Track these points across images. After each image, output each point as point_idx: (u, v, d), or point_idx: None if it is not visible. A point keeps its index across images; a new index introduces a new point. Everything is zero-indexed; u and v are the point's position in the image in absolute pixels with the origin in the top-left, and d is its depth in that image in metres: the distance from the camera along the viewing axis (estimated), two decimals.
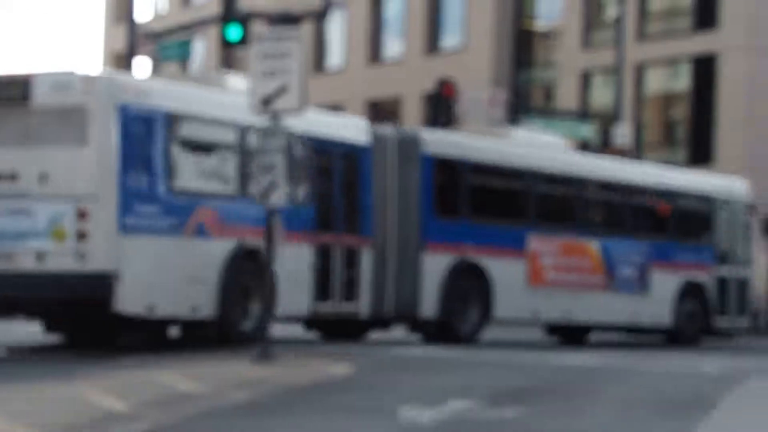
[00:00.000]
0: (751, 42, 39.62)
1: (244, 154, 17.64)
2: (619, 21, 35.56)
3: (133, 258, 16.19)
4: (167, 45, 31.14)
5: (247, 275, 17.63)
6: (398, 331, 22.18)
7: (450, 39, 48.12)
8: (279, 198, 15.10)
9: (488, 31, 46.40)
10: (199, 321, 17.33)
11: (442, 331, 21.29)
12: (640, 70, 41.96)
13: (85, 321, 18.00)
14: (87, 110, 16.03)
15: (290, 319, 19.40)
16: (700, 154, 39.49)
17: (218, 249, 17.35)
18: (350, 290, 19.74)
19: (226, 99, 18.02)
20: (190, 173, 17.25)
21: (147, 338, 18.17)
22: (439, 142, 21.80)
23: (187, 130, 17.21)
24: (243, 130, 17.69)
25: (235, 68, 53.54)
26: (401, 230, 20.87)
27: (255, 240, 17.38)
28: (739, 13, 39.77)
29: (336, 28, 50.92)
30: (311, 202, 19.14)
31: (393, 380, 13.69)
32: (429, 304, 21.03)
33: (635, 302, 24.70)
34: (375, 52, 50.59)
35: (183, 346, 17.58)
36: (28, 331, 20.02)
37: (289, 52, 15.14)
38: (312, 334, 21.43)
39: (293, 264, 18.50)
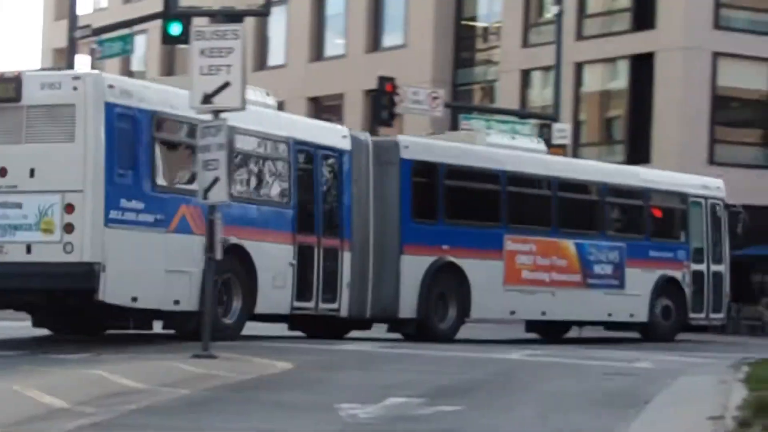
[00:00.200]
0: (687, 42, 40.10)
1: (228, 155, 17.77)
2: (558, 20, 35.85)
3: (118, 251, 16.78)
4: (108, 41, 30.99)
5: (228, 272, 18.23)
6: (380, 331, 22.66)
7: (391, 37, 48.26)
8: (221, 194, 15.13)
9: (429, 29, 46.58)
10: (181, 314, 17.85)
11: (421, 330, 21.94)
12: (578, 69, 42.32)
13: (71, 315, 18.58)
14: (75, 108, 16.70)
15: (271, 317, 20.00)
16: (638, 151, 39.89)
17: (201, 245, 17.45)
18: (330, 290, 20.41)
19: None
20: (175, 171, 17.93)
21: (133, 330, 18.74)
22: (416, 146, 22.58)
23: (171, 130, 17.90)
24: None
25: (177, 65, 53.41)
26: (380, 232, 21.53)
27: (238, 237, 18.29)
28: (675, 13, 40.24)
29: (278, 26, 50.88)
30: (292, 204, 19.84)
31: (334, 377, 13.76)
32: (408, 304, 21.74)
33: (611, 299, 25.26)
34: (317, 50, 50.61)
35: (139, 340, 17.70)
36: (12, 326, 20.35)
37: (231, 48, 15.18)
38: (291, 334, 21.62)
39: (274, 263, 19.22)
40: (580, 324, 26.59)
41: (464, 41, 47.45)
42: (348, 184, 21.01)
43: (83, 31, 30.19)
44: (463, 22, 47.38)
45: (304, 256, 19.91)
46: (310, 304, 20.08)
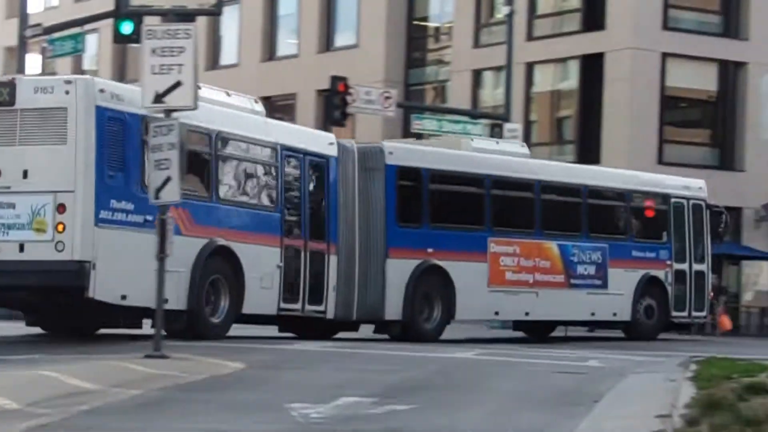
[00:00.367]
0: (636, 42, 40.41)
1: (217, 159, 19.33)
2: (509, 20, 36.00)
3: (107, 250, 17.43)
4: (59, 39, 30.82)
5: (216, 272, 19.04)
6: (367, 331, 23.20)
7: (343, 37, 48.28)
8: (173, 194, 15.12)
9: (381, 29, 46.65)
10: (169, 312, 17.99)
11: (407, 331, 22.52)
12: (529, 69, 42.52)
13: (64, 315, 19.06)
14: (66, 112, 17.35)
15: (259, 318, 20.60)
16: (588, 151, 40.16)
17: (189, 246, 18.55)
18: (317, 292, 21.06)
19: (200, 106, 18.63)
20: None
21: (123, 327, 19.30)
22: (401, 152, 23.23)
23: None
24: (215, 136, 19.24)
25: (129, 64, 53.18)
26: (366, 236, 22.17)
27: (226, 239, 19.15)
28: (625, 14, 40.54)
29: (230, 25, 50.77)
30: (280, 208, 20.50)
31: (286, 377, 13.79)
32: (394, 306, 22.36)
33: (594, 299, 25.85)
34: (269, 50, 50.54)
35: (95, 340, 17.68)
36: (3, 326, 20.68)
37: (183, 48, 15.17)
38: (267, 334, 21.87)
39: (261, 265, 19.97)
40: (565, 323, 27.30)
41: (416, 41, 47.56)
42: (334, 189, 21.64)
43: (34, 29, 30.02)
44: (415, 22, 47.48)
45: (290, 259, 20.57)
46: (297, 306, 20.70)
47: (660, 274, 27.18)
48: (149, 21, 25.58)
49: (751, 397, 10.87)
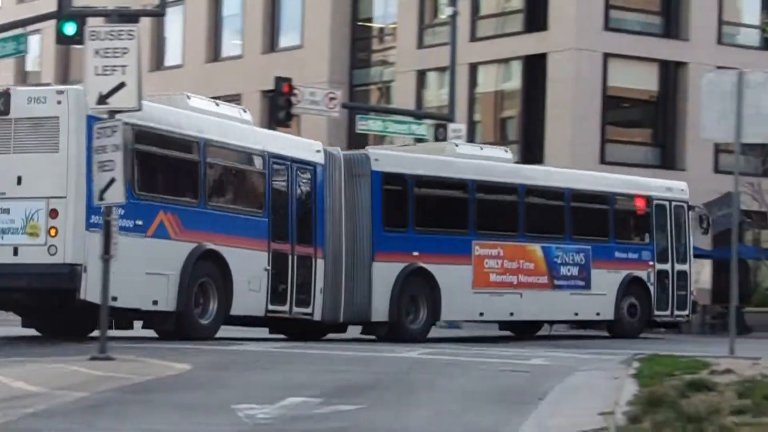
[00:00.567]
0: (578, 43, 40.69)
1: (206, 167, 20.14)
2: (452, 21, 36.15)
3: (98, 253, 17.48)
4: (1, 41, 30.58)
5: (205, 275, 19.80)
6: (355, 332, 23.90)
7: (288, 38, 48.22)
8: (118, 195, 15.08)
9: (325, 30, 46.64)
10: (159, 313, 19.25)
11: (393, 331, 23.14)
12: (473, 70, 42.69)
13: (58, 316, 19.62)
14: (59, 121, 18.02)
15: (248, 319, 21.35)
16: (531, 151, 40.38)
17: (178, 249, 19.43)
18: (304, 295, 21.80)
19: (189, 115, 20.25)
20: (154, 181, 19.48)
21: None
22: (386, 159, 23.91)
23: (150, 141, 19.24)
24: (203, 144, 20.12)
25: (72, 65, 52.82)
26: (353, 241, 22.88)
27: (214, 244, 19.90)
28: (567, 15, 40.80)
29: (174, 26, 50.56)
30: (267, 214, 21.29)
31: (232, 378, 13.78)
32: (380, 308, 23.02)
33: (577, 299, 26.53)
34: (213, 50, 50.39)
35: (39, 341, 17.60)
36: None
37: (126, 49, 15.14)
38: (250, 335, 22.34)
39: (249, 268, 20.65)
40: (550, 323, 28.04)
41: (360, 42, 47.61)
42: (321, 195, 22.39)
43: None
44: (360, 23, 47.52)
45: (278, 263, 21.28)
46: (284, 308, 21.42)
47: (643, 274, 27.94)
48: (92, 22, 25.42)
49: (692, 394, 11.02)
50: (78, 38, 26.41)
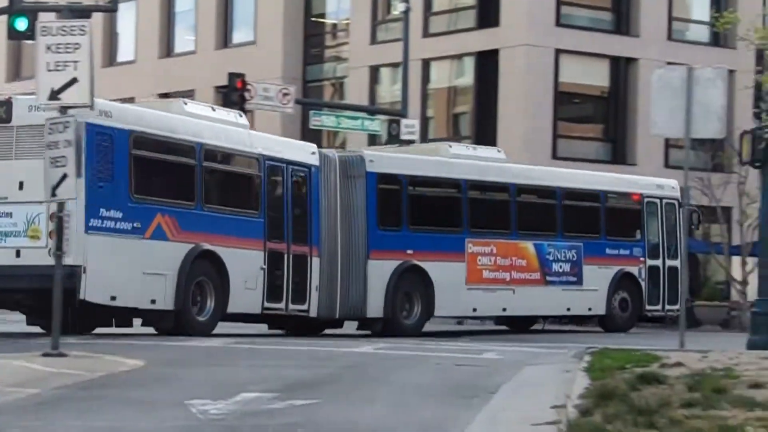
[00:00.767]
0: (530, 39, 40.87)
1: (202, 170, 20.83)
2: (405, 17, 36.24)
3: (97, 255, 18.83)
4: None
5: (202, 274, 20.55)
6: (351, 328, 24.53)
7: (241, 34, 48.14)
8: (70, 191, 15.03)
9: (278, 26, 46.59)
10: (157, 312, 19.93)
11: (388, 327, 23.73)
12: (426, 66, 42.78)
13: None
14: None
15: (245, 316, 22.03)
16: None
17: (176, 250, 20.14)
18: (300, 292, 22.72)
19: (185, 120, 20.86)
20: (151, 184, 20.21)
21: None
22: (381, 160, 24.49)
23: (147, 146, 20.03)
24: (200, 148, 20.85)
25: (24, 61, 52.45)
26: (348, 240, 23.51)
27: (211, 244, 20.66)
28: (519, 11, 40.98)
29: (127, 21, 50.33)
30: (263, 215, 21.99)
31: (186, 373, 13.77)
32: (375, 305, 23.65)
33: (569, 294, 27.08)
34: (166, 46, 50.21)
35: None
36: None
37: (78, 44, 15.08)
38: (244, 330, 22.92)
39: (245, 267, 21.37)
40: (544, 318, 28.71)
41: (313, 38, 47.58)
42: (316, 196, 23.08)
43: None
44: (313, 19, 47.49)
45: (274, 261, 21.97)
46: (280, 305, 22.11)
47: (634, 270, 28.53)
48: (44, 17, 25.32)
49: (643, 387, 11.13)
50: (29, 34, 26.24)
